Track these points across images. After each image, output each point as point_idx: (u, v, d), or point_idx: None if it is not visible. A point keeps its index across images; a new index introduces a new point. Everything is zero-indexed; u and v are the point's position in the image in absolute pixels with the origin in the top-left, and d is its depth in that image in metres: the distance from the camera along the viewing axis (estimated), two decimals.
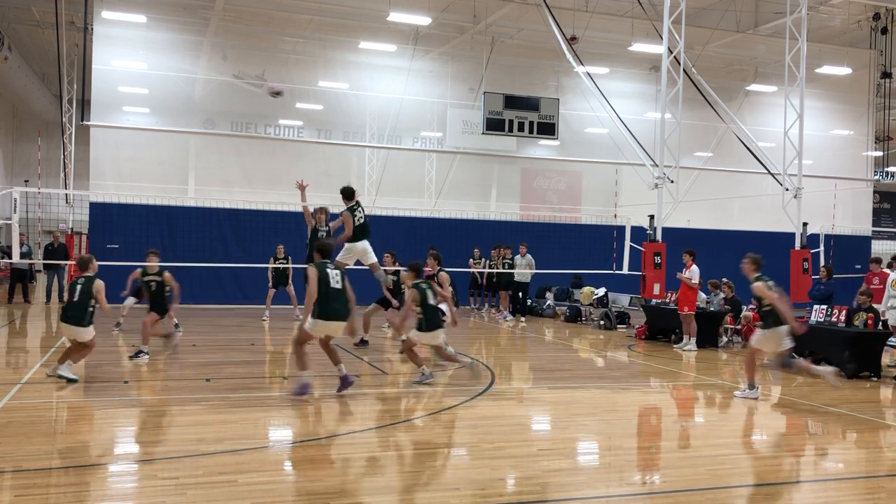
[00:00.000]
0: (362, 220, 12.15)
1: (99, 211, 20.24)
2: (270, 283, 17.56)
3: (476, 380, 9.81)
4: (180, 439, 7.00)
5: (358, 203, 12.35)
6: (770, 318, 9.36)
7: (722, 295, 15.01)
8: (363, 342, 13.06)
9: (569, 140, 26.34)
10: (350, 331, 9.19)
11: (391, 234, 21.00)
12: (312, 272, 8.62)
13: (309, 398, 8.56)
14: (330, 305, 8.61)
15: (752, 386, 9.55)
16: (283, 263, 17.43)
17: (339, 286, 8.68)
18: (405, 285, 12.89)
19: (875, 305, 12.51)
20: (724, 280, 15.14)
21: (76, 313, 9.25)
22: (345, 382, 8.90)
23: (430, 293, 9.73)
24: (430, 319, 9.66)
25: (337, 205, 23.92)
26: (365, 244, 12.24)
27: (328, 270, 8.69)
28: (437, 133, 26.92)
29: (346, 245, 12.16)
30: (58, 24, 19.84)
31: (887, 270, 14.34)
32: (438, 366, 11.37)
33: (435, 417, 8.05)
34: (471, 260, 20.91)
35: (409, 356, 9.88)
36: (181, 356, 11.73)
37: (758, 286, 9.46)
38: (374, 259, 12.34)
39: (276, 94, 14.37)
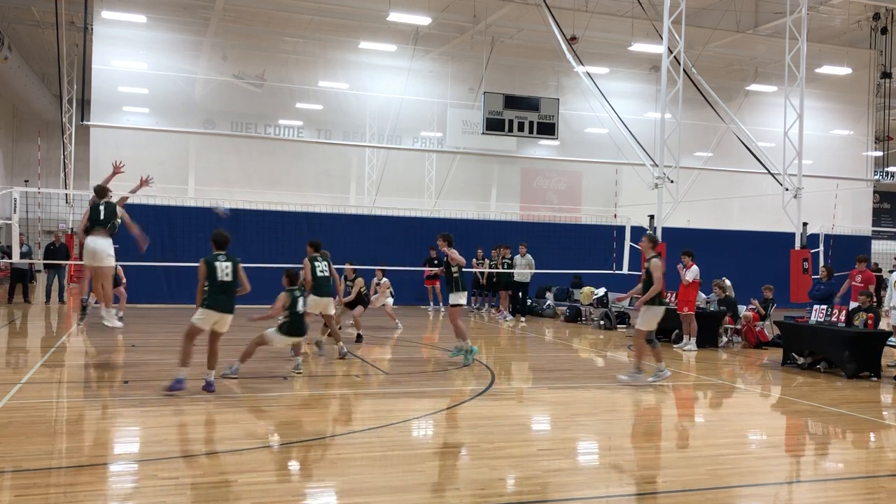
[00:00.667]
0: (324, 273, 11.54)
1: None
2: None
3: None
4: (180, 439, 7.00)
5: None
6: (656, 297, 10.09)
7: (715, 296, 14.98)
8: (359, 337, 13.44)
9: (569, 140, 26.36)
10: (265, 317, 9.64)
11: (391, 234, 21.05)
12: (201, 264, 8.82)
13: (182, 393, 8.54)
14: (216, 297, 8.75)
15: (639, 370, 10.13)
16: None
17: (228, 279, 8.80)
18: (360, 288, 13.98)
19: (852, 303, 12.57)
20: (716, 281, 15.09)
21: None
22: (207, 387, 8.77)
23: (300, 301, 9.93)
24: (294, 325, 9.87)
25: (338, 205, 24.00)
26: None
27: (217, 263, 8.78)
28: (437, 133, 26.94)
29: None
30: (58, 24, 19.86)
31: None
32: (439, 367, 11.37)
33: (435, 417, 8.05)
34: (474, 260, 20.91)
35: (247, 351, 9.91)
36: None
37: (656, 262, 10.07)
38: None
39: (222, 215, 14.15)
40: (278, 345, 10.00)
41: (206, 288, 8.81)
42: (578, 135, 26.61)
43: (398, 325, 15.73)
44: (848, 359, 11.22)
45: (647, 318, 10.17)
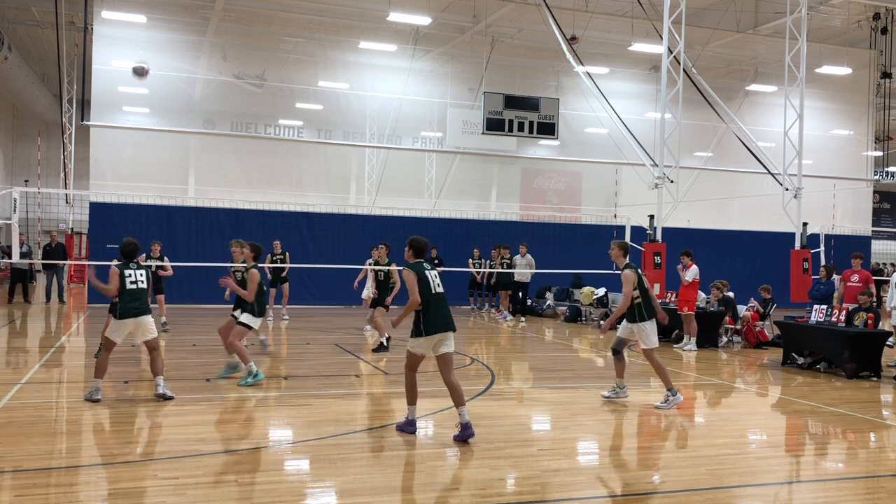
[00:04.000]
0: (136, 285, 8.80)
1: (99, 211, 20.25)
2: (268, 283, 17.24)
3: None
4: (180, 439, 7.00)
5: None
6: (645, 307, 8.88)
7: (713, 297, 14.98)
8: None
9: (569, 140, 26.37)
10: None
11: (391, 234, 21.01)
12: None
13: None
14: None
15: (674, 391, 8.77)
16: (280, 260, 17.16)
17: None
18: (393, 280, 13.23)
19: (847, 304, 12.53)
20: (714, 283, 15.07)
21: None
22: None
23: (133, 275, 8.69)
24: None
25: (338, 205, 23.97)
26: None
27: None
28: (437, 133, 26.94)
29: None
30: (58, 24, 19.86)
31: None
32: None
33: (435, 417, 8.05)
34: (470, 260, 20.91)
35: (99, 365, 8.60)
36: (181, 356, 11.73)
37: (627, 274, 8.88)
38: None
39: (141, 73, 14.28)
40: (117, 338, 8.54)
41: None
42: (578, 135, 26.61)
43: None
44: (848, 359, 11.23)
45: (653, 335, 9.11)
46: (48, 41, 23.89)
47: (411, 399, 7.31)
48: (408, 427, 7.27)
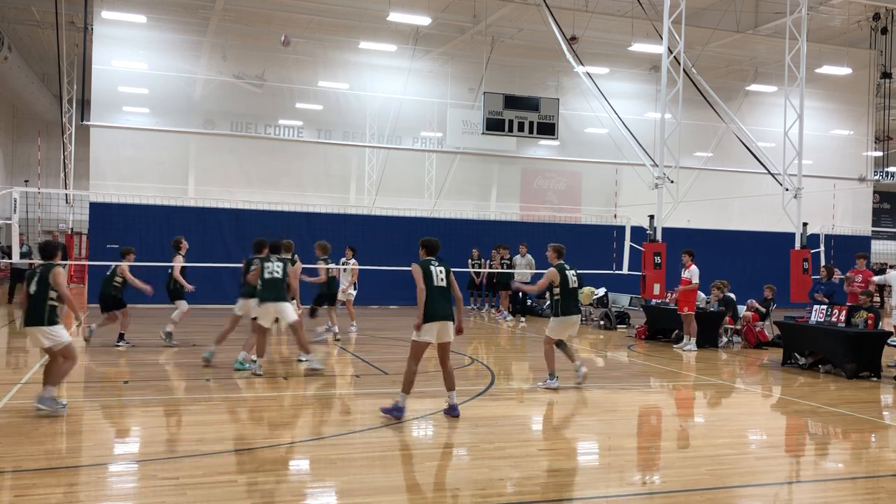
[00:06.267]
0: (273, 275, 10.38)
1: (99, 211, 20.24)
2: None
3: None
4: (180, 439, 7.00)
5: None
6: (561, 305, 9.83)
7: (713, 297, 14.96)
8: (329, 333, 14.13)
9: (569, 140, 26.36)
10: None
11: (391, 234, 21.03)
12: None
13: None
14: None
15: (553, 376, 9.88)
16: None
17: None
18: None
19: (849, 304, 12.52)
20: (714, 283, 15.05)
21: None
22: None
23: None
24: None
25: (338, 205, 23.95)
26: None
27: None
28: (437, 133, 26.95)
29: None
30: (58, 24, 19.86)
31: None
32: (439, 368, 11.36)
33: (435, 417, 8.05)
34: (469, 260, 20.90)
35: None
36: (182, 356, 11.73)
37: (551, 270, 9.86)
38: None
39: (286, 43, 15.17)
40: (265, 323, 10.39)
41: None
42: (578, 135, 26.61)
43: (354, 326, 15.17)
44: (848, 359, 11.22)
45: (566, 329, 10.18)
46: (48, 41, 23.89)
47: (407, 388, 7.91)
48: (395, 412, 7.77)
